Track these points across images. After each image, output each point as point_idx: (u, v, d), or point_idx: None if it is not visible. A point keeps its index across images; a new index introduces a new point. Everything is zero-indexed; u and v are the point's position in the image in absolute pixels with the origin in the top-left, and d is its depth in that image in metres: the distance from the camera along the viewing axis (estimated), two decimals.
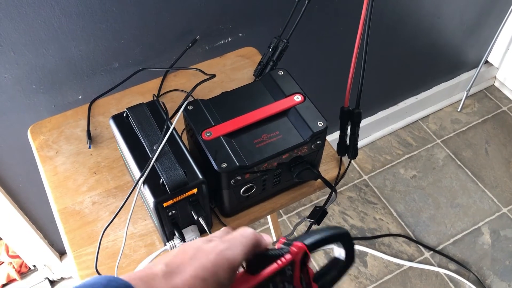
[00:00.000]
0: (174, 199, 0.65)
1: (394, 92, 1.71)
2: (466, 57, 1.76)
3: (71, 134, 0.89)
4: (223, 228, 0.46)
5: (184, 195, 0.65)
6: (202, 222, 0.68)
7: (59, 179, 0.83)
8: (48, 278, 1.46)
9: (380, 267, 1.51)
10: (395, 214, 1.63)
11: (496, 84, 1.97)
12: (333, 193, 0.82)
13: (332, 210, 1.63)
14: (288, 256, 0.42)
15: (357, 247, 1.55)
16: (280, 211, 1.62)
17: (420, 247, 1.55)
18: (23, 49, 0.87)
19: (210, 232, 0.71)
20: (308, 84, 0.99)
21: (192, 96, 0.90)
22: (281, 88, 0.76)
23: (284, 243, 0.43)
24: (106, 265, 0.73)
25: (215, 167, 0.66)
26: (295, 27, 0.89)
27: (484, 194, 1.67)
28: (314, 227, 0.84)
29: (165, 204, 0.64)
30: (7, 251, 1.43)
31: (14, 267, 1.42)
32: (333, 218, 1.62)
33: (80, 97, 1.01)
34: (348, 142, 0.85)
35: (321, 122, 0.72)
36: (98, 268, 0.72)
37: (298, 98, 0.75)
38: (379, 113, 1.73)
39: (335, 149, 0.87)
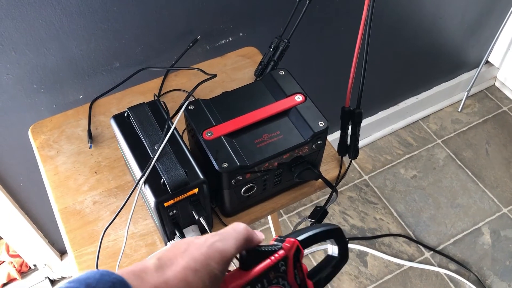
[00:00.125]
0: (175, 199, 0.65)
1: (395, 92, 1.71)
2: (466, 57, 1.76)
3: (72, 133, 0.89)
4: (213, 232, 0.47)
5: (185, 195, 0.65)
6: (203, 222, 0.68)
7: (60, 178, 0.83)
8: (48, 278, 1.46)
9: (381, 267, 1.51)
10: (395, 214, 1.63)
11: (497, 84, 1.97)
12: (334, 193, 0.82)
13: (333, 210, 1.63)
14: (281, 252, 0.43)
15: (358, 247, 1.55)
16: (281, 210, 1.63)
17: (421, 247, 1.55)
18: (24, 49, 0.87)
19: (211, 232, 0.71)
20: (309, 84, 0.99)
21: (193, 96, 0.90)
22: (282, 88, 0.76)
23: (276, 240, 0.44)
24: (107, 265, 0.73)
25: (216, 167, 0.67)
26: (296, 27, 0.89)
27: (484, 194, 1.67)
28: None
29: (166, 204, 0.64)
30: (8, 251, 1.43)
31: (14, 267, 1.42)
32: (334, 218, 1.62)
33: (81, 96, 1.01)
34: (349, 142, 0.85)
35: (322, 122, 0.72)
36: (99, 268, 0.72)
37: (299, 98, 0.75)
38: (379, 113, 1.73)
39: (336, 149, 0.87)
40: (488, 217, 1.61)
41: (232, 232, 0.42)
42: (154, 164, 0.66)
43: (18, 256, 1.41)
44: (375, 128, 1.77)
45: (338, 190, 0.83)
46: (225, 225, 0.77)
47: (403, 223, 1.61)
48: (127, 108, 0.72)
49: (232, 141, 0.70)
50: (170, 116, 0.73)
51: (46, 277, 1.46)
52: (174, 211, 0.67)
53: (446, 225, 1.60)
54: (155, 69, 1.02)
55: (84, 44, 0.92)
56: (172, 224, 0.69)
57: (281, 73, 0.78)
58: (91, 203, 0.80)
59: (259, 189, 0.75)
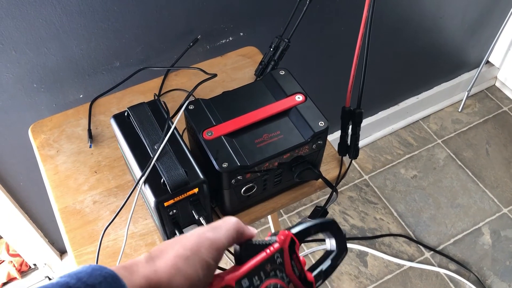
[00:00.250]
0: (175, 199, 0.65)
1: (395, 92, 1.71)
2: (467, 57, 1.76)
3: (72, 133, 0.89)
4: None
5: (185, 195, 0.65)
6: (203, 221, 0.68)
7: (60, 178, 0.83)
8: (48, 277, 1.46)
9: (381, 267, 1.51)
10: (395, 214, 1.63)
11: (497, 84, 1.97)
12: (334, 193, 0.82)
13: (333, 210, 1.63)
14: (276, 245, 0.43)
15: (358, 247, 1.55)
16: (281, 210, 1.62)
17: (421, 247, 1.55)
18: (25, 48, 0.87)
19: None
20: (309, 84, 0.99)
21: (193, 96, 0.90)
22: (282, 87, 0.76)
23: (272, 234, 0.44)
24: (106, 264, 0.73)
25: (216, 166, 0.66)
26: (296, 26, 0.89)
27: (484, 194, 1.67)
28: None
29: (166, 204, 0.64)
30: (8, 250, 1.43)
31: (14, 266, 1.42)
32: (334, 218, 1.61)
33: (81, 96, 1.01)
34: (349, 142, 0.85)
35: (322, 122, 0.72)
36: None
37: (299, 98, 0.75)
38: (379, 113, 1.73)
39: (336, 149, 0.87)
40: (488, 217, 1.61)
41: (222, 223, 0.42)
42: (154, 164, 0.65)
43: (18, 255, 1.41)
44: (375, 128, 1.77)
45: (338, 190, 0.83)
46: None
47: (403, 223, 1.61)
48: (127, 108, 0.72)
49: (232, 141, 0.70)
50: (170, 116, 0.73)
51: (46, 277, 1.46)
52: (174, 210, 0.66)
53: (446, 225, 1.60)
54: (155, 68, 1.02)
55: (85, 43, 0.92)
56: (172, 223, 0.69)
57: (281, 73, 0.78)
58: (91, 202, 0.80)
59: (259, 189, 0.75)
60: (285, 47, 0.91)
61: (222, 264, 0.53)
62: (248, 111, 0.73)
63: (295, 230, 0.44)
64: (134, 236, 0.76)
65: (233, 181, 0.69)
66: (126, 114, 0.73)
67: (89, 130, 0.88)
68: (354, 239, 1.57)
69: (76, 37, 0.90)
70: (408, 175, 1.72)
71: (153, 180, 0.65)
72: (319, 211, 0.82)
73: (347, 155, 0.86)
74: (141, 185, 0.65)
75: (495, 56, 1.87)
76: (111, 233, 0.76)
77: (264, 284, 0.41)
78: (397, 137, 1.82)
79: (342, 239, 0.47)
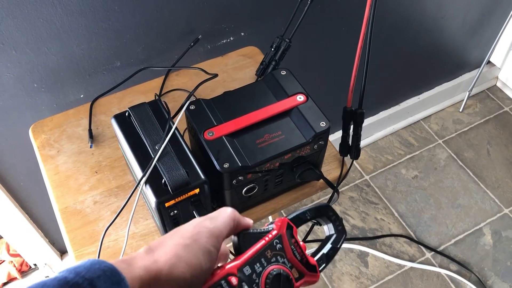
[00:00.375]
0: (176, 199, 0.64)
1: (396, 92, 1.71)
2: (468, 57, 1.76)
3: (73, 133, 0.88)
4: None
5: (186, 195, 0.65)
6: None
7: (61, 178, 0.83)
8: (48, 277, 1.46)
9: (381, 268, 1.51)
10: (396, 215, 1.62)
11: (498, 84, 1.97)
12: (335, 193, 0.82)
13: None
14: (274, 232, 0.43)
15: (358, 247, 1.55)
16: (282, 211, 1.62)
17: (421, 247, 1.55)
18: (25, 48, 0.87)
19: None
20: (310, 84, 0.99)
21: (194, 96, 0.90)
22: (283, 88, 0.76)
23: (269, 224, 0.45)
24: None
25: (217, 167, 0.66)
26: (297, 26, 0.88)
27: (485, 194, 1.66)
28: (316, 227, 0.83)
29: (167, 204, 0.64)
30: (8, 250, 1.43)
31: (14, 266, 1.42)
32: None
33: (82, 96, 1.00)
34: (350, 143, 0.84)
35: (324, 123, 0.71)
36: None
37: (300, 98, 0.74)
38: (381, 113, 1.73)
39: (338, 149, 0.87)
40: (489, 218, 1.61)
41: (219, 213, 0.43)
42: (155, 164, 0.65)
43: (18, 255, 1.41)
44: (376, 128, 1.77)
45: (339, 190, 0.83)
46: None
47: (404, 224, 1.60)
48: (128, 108, 0.72)
49: (233, 141, 0.69)
50: (171, 116, 0.73)
51: (46, 277, 1.46)
52: (175, 211, 0.66)
53: (447, 225, 1.60)
54: (156, 68, 1.02)
55: (85, 43, 0.91)
56: (173, 224, 0.69)
57: (282, 73, 0.78)
58: (91, 203, 0.79)
59: (260, 189, 0.75)
60: (286, 47, 0.91)
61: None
62: (249, 111, 0.72)
63: (290, 216, 0.45)
64: (135, 237, 0.76)
65: (234, 181, 0.69)
66: (127, 114, 0.72)
67: (90, 130, 0.87)
68: (355, 239, 1.57)
69: (76, 37, 0.90)
70: (409, 175, 1.72)
71: (154, 181, 0.65)
72: None
73: (348, 155, 0.85)
74: (142, 186, 0.65)
75: (496, 56, 1.86)
76: (112, 233, 0.76)
77: (267, 270, 0.41)
78: (398, 137, 1.82)
79: (339, 222, 0.48)
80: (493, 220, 1.61)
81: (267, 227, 0.44)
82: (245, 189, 0.72)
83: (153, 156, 0.66)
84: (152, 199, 0.64)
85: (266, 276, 0.41)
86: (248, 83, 0.81)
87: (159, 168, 0.65)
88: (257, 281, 0.41)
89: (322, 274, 1.53)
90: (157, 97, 0.79)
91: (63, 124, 0.90)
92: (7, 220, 1.19)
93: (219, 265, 0.42)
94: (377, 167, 1.74)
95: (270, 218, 1.21)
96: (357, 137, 0.83)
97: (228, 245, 0.57)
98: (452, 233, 1.58)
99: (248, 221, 0.45)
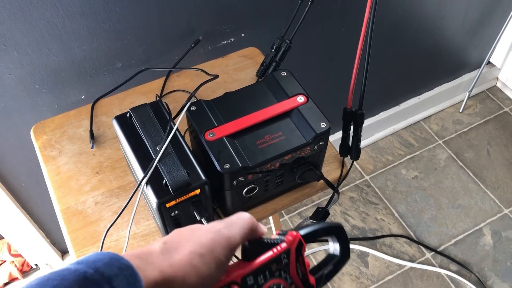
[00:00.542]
0: (177, 200, 0.65)
1: (396, 93, 1.71)
2: (468, 57, 1.76)
3: (74, 134, 0.89)
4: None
5: (187, 196, 0.65)
6: (204, 222, 0.68)
7: (62, 179, 0.83)
8: None
9: (381, 268, 1.51)
10: (396, 215, 1.63)
11: (498, 85, 1.97)
12: (336, 194, 0.82)
13: (334, 210, 1.63)
14: (283, 245, 0.43)
15: (359, 247, 1.55)
16: (282, 211, 1.63)
17: (422, 247, 1.55)
18: (27, 49, 0.87)
19: None
20: (310, 85, 0.99)
21: (195, 97, 0.90)
22: (284, 89, 0.76)
23: (279, 233, 0.44)
24: None
25: (218, 168, 0.67)
26: (298, 27, 0.89)
27: (485, 195, 1.67)
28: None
29: (168, 205, 0.65)
30: (9, 250, 1.43)
31: (16, 266, 1.42)
32: (335, 219, 1.62)
33: (83, 97, 1.01)
34: (350, 143, 0.85)
35: (324, 123, 0.72)
36: None
37: (301, 99, 0.75)
38: (381, 113, 1.73)
39: (338, 150, 0.87)
40: (489, 218, 1.61)
41: (238, 220, 0.42)
42: (156, 165, 0.66)
43: (19, 255, 1.42)
44: (377, 129, 1.77)
45: (340, 191, 0.83)
46: None
47: (404, 224, 1.61)
48: (129, 109, 0.72)
49: (234, 142, 0.70)
50: (172, 117, 0.74)
51: None
52: (176, 212, 0.67)
53: (447, 225, 1.60)
54: (157, 69, 1.02)
55: (86, 44, 0.92)
56: (174, 224, 0.69)
57: (283, 74, 0.78)
58: (93, 203, 0.80)
59: (260, 190, 0.75)
60: (286, 48, 0.91)
61: None
62: (250, 112, 0.73)
63: (303, 232, 0.44)
64: (136, 237, 0.76)
65: (234, 182, 0.69)
66: (128, 115, 0.73)
67: (91, 131, 0.88)
68: (355, 239, 1.57)
69: (78, 38, 0.90)
70: (409, 175, 1.72)
71: (155, 181, 0.65)
72: (321, 212, 0.82)
73: (348, 156, 0.86)
74: (143, 186, 0.65)
75: (496, 56, 1.87)
76: (113, 234, 0.76)
77: (268, 283, 0.41)
78: (398, 138, 1.82)
79: (346, 246, 0.47)
80: (493, 220, 1.61)
81: (278, 236, 0.44)
82: (245, 189, 0.72)
83: (154, 157, 0.66)
84: (153, 200, 0.64)
85: None
86: (249, 84, 0.81)
87: (160, 169, 0.65)
88: None
89: None
90: (158, 98, 0.79)
91: (65, 125, 0.90)
92: (9, 220, 1.19)
93: None
94: (377, 168, 1.74)
95: (271, 219, 1.22)
96: (357, 137, 0.83)
97: None
98: (452, 233, 1.58)
99: (263, 230, 0.44)
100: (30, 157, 1.03)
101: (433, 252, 1.54)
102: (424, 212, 1.63)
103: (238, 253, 0.44)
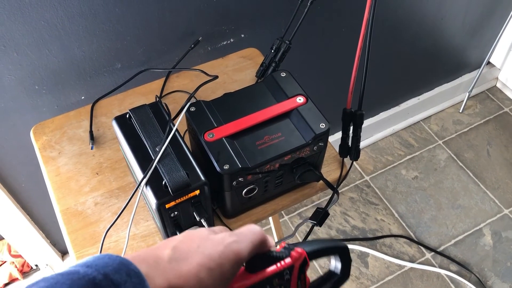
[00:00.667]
0: (177, 201, 0.65)
1: (396, 93, 1.71)
2: (468, 58, 1.76)
3: (74, 134, 0.89)
4: (222, 226, 0.46)
5: (187, 197, 0.65)
6: (204, 223, 0.68)
7: (62, 179, 0.83)
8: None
9: (381, 268, 1.51)
10: (396, 215, 1.63)
11: (498, 85, 1.97)
12: (335, 194, 0.82)
13: (334, 211, 1.63)
14: (288, 260, 0.42)
15: (359, 247, 1.55)
16: (282, 211, 1.63)
17: (422, 248, 1.55)
18: (26, 50, 0.87)
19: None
20: (310, 85, 0.99)
21: (195, 97, 0.90)
22: (283, 89, 0.76)
23: (285, 247, 0.44)
24: None
25: (218, 168, 0.67)
26: (297, 28, 0.89)
27: (485, 195, 1.67)
28: (316, 228, 0.84)
29: (167, 206, 0.65)
30: (9, 251, 1.43)
31: (16, 267, 1.42)
32: (335, 219, 1.62)
33: (83, 97, 1.01)
34: (350, 144, 0.85)
35: (323, 124, 0.72)
36: None
37: (300, 99, 0.75)
38: (380, 113, 1.73)
39: (337, 151, 0.87)
40: (489, 218, 1.61)
41: (249, 234, 0.41)
42: (155, 166, 0.66)
43: (19, 256, 1.42)
44: (376, 129, 1.77)
45: (339, 191, 0.83)
46: (227, 227, 0.77)
47: (404, 224, 1.61)
48: (129, 110, 0.72)
49: (233, 142, 0.70)
50: (172, 118, 0.74)
51: None
52: (176, 212, 0.67)
53: (447, 226, 1.60)
54: (157, 70, 1.02)
55: (86, 45, 0.92)
56: (174, 225, 0.69)
57: (282, 75, 0.78)
58: (92, 204, 0.80)
59: (260, 190, 0.75)
60: (286, 48, 0.91)
61: None
62: (249, 112, 0.73)
63: (309, 249, 0.44)
64: (135, 238, 0.76)
65: (234, 183, 0.69)
66: (127, 116, 0.73)
67: (91, 132, 0.88)
68: (355, 240, 1.57)
69: (77, 39, 0.90)
70: (409, 176, 1.72)
71: (154, 182, 0.65)
72: (320, 213, 0.82)
73: (348, 156, 0.86)
74: (143, 187, 0.65)
75: (496, 57, 1.87)
76: (112, 234, 0.76)
77: None
78: (398, 138, 1.82)
79: (348, 266, 0.46)
80: (493, 220, 1.61)
81: (283, 249, 0.44)
82: (245, 190, 0.72)
83: (153, 158, 0.66)
84: (152, 201, 0.64)
85: None
86: (248, 84, 0.81)
87: (160, 170, 0.65)
88: None
89: None
90: (157, 99, 0.79)
91: (64, 126, 0.90)
92: (9, 221, 1.19)
93: None
94: (377, 168, 1.74)
95: (270, 219, 1.22)
96: (357, 138, 0.83)
97: None
98: (452, 234, 1.58)
99: (272, 243, 0.43)
100: (30, 158, 1.03)
101: (433, 253, 1.54)
102: (424, 213, 1.63)
103: None
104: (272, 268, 0.42)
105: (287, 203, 0.82)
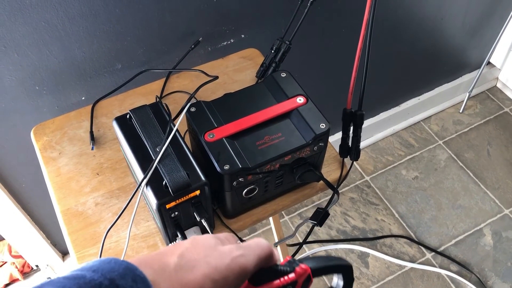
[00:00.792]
0: (177, 201, 0.65)
1: (396, 93, 1.71)
2: (468, 58, 1.76)
3: (74, 135, 0.89)
4: (229, 234, 0.46)
5: (187, 197, 0.65)
6: (204, 223, 0.69)
7: (62, 180, 0.83)
8: (50, 278, 1.46)
9: (382, 268, 1.51)
10: (396, 215, 1.63)
11: (498, 85, 1.97)
12: (336, 194, 0.82)
13: (334, 211, 1.63)
14: (291, 275, 0.42)
15: (359, 248, 1.55)
16: (282, 212, 1.63)
17: (422, 248, 1.55)
18: (27, 51, 0.87)
19: (213, 234, 0.71)
20: (310, 85, 0.99)
21: (195, 98, 0.90)
22: (283, 90, 0.76)
23: (289, 261, 0.44)
24: None
25: (218, 169, 0.67)
26: (297, 28, 0.89)
27: (486, 195, 1.67)
28: (316, 228, 0.84)
29: (167, 206, 0.65)
30: (10, 251, 1.44)
31: (16, 267, 1.43)
32: (335, 219, 1.62)
33: (83, 98, 1.01)
34: (350, 144, 0.85)
35: (324, 124, 0.72)
36: None
37: (300, 100, 0.75)
38: (381, 114, 1.73)
39: (338, 151, 0.87)
40: (489, 218, 1.61)
41: (256, 248, 0.41)
42: (156, 166, 0.66)
43: (20, 256, 1.42)
44: (377, 129, 1.77)
45: (340, 191, 0.83)
46: (227, 227, 0.77)
47: (404, 224, 1.61)
48: (129, 110, 0.73)
49: (233, 142, 0.70)
50: (172, 118, 0.74)
51: (48, 278, 1.46)
52: (176, 212, 0.67)
53: (448, 226, 1.60)
54: (157, 70, 1.02)
55: (86, 46, 0.92)
56: (174, 225, 0.69)
57: (282, 75, 0.79)
58: (93, 204, 0.80)
59: (260, 190, 0.75)
60: (286, 49, 0.91)
61: None
62: (250, 113, 0.73)
63: (314, 266, 0.44)
64: (136, 238, 0.77)
65: (234, 183, 0.69)
66: (128, 116, 0.73)
67: (91, 132, 0.88)
68: (355, 240, 1.57)
69: (78, 40, 0.90)
70: (410, 176, 1.72)
71: (155, 182, 0.65)
72: (321, 213, 0.82)
73: (348, 156, 0.86)
74: (143, 187, 0.66)
75: (496, 57, 1.87)
76: (113, 235, 0.76)
77: None
78: (398, 138, 1.82)
79: (350, 285, 0.46)
80: (493, 220, 1.61)
81: (287, 263, 0.43)
82: (245, 190, 0.72)
83: (154, 158, 0.66)
84: (153, 201, 0.64)
85: None
86: (249, 85, 0.81)
87: (160, 170, 0.65)
88: None
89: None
90: (158, 99, 0.79)
91: (65, 126, 0.90)
92: (9, 221, 1.19)
93: None
94: (377, 168, 1.74)
95: (271, 219, 1.22)
96: (357, 138, 0.83)
97: None
98: (453, 234, 1.58)
99: (278, 258, 0.43)
100: (31, 159, 1.03)
101: (433, 253, 1.54)
102: (424, 213, 1.63)
103: None
104: (275, 282, 0.41)
105: (288, 203, 0.82)
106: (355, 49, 0.76)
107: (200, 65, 1.00)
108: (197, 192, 0.66)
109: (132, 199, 0.69)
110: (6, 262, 1.45)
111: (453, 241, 1.57)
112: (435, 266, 1.52)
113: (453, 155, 1.77)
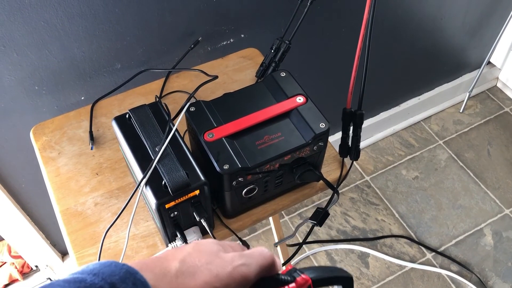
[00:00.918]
0: (176, 201, 0.65)
1: (396, 93, 1.71)
2: (468, 58, 1.76)
3: (74, 135, 0.89)
4: (234, 242, 0.46)
5: (186, 197, 0.65)
6: (204, 223, 0.68)
7: (62, 180, 0.83)
8: (50, 279, 1.46)
9: (382, 268, 1.51)
10: (397, 215, 1.63)
11: (499, 85, 1.97)
12: (335, 194, 0.82)
13: (334, 211, 1.63)
14: (292, 285, 0.42)
15: (359, 248, 1.55)
16: (282, 212, 1.62)
17: (422, 248, 1.55)
18: (26, 51, 0.87)
19: (212, 234, 0.71)
20: (310, 85, 0.99)
21: (195, 98, 0.90)
22: (283, 89, 0.76)
23: (290, 271, 0.44)
24: None
25: (217, 168, 0.67)
26: (297, 28, 0.89)
27: (486, 195, 1.66)
28: (316, 228, 0.84)
29: (167, 206, 0.65)
30: (9, 252, 1.43)
31: (16, 268, 1.42)
32: (335, 219, 1.61)
33: (83, 98, 1.01)
34: (350, 144, 0.85)
35: (323, 124, 0.72)
36: None
37: (300, 99, 0.75)
38: (381, 114, 1.73)
39: (337, 151, 0.87)
40: (490, 218, 1.61)
41: (258, 257, 0.41)
42: (155, 166, 0.66)
43: (19, 257, 1.42)
44: (377, 129, 1.77)
45: (340, 191, 0.83)
46: (226, 227, 0.77)
47: (404, 224, 1.60)
48: (129, 110, 0.72)
49: (233, 142, 0.70)
50: (172, 118, 0.74)
51: (47, 278, 1.46)
52: (175, 212, 0.67)
53: (448, 226, 1.60)
54: (157, 70, 1.02)
55: (86, 45, 0.92)
56: (173, 225, 0.69)
57: (282, 75, 0.78)
58: (92, 204, 0.80)
59: (260, 190, 0.75)
60: (286, 48, 0.91)
61: None
62: (249, 112, 0.73)
63: (315, 277, 0.43)
64: (135, 238, 0.76)
65: (234, 182, 0.69)
66: (127, 116, 0.73)
67: (91, 132, 0.88)
68: (355, 240, 1.57)
69: (77, 39, 0.90)
70: (410, 176, 1.72)
71: (154, 182, 0.65)
72: (321, 213, 0.82)
73: (348, 156, 0.86)
74: (143, 187, 0.65)
75: (496, 57, 1.87)
76: (112, 235, 0.76)
77: None
78: (399, 138, 1.82)
79: None
80: (493, 220, 1.61)
81: (288, 272, 0.43)
82: (245, 190, 0.72)
83: (153, 158, 0.66)
84: (152, 201, 0.64)
85: None
86: (248, 84, 0.81)
87: (159, 170, 0.65)
88: None
89: None
90: (157, 99, 0.79)
91: (64, 126, 0.90)
92: (9, 221, 1.19)
93: None
94: (377, 168, 1.74)
95: (271, 219, 1.22)
96: (357, 138, 0.83)
97: None
98: (453, 234, 1.58)
99: (279, 267, 0.43)
100: (30, 158, 1.03)
101: (433, 253, 1.54)
102: (424, 213, 1.63)
103: None
104: None
105: (287, 203, 0.81)
106: (354, 48, 0.76)
107: (200, 64, 1.00)
108: (197, 192, 0.66)
109: (132, 199, 0.69)
110: (5, 263, 1.44)
111: (454, 241, 1.56)
112: (435, 266, 1.51)
113: (453, 155, 1.77)
